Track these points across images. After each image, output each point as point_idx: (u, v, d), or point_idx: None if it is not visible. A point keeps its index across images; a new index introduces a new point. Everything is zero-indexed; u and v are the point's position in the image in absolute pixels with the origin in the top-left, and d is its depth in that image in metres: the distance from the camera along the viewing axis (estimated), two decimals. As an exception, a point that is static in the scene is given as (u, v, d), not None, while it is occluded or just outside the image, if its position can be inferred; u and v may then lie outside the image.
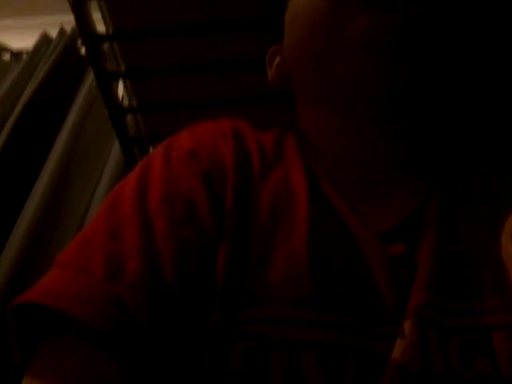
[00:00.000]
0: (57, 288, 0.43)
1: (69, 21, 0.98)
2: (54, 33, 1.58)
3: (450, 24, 0.50)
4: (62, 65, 1.44)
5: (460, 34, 0.52)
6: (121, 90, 1.07)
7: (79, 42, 1.46)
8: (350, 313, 0.45)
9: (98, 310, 0.41)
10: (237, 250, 0.47)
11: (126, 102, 1.08)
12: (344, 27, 0.47)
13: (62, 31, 1.55)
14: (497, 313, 0.44)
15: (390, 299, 0.45)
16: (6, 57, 1.69)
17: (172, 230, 0.47)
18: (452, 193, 0.52)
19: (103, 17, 0.94)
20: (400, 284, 0.46)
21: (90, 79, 1.40)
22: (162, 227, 0.47)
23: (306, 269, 0.46)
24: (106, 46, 0.99)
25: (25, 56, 1.61)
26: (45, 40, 1.56)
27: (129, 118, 1.10)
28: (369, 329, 0.44)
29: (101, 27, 0.95)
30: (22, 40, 1.67)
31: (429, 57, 0.49)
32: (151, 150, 1.18)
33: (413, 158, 0.55)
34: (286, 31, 0.57)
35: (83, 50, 1.27)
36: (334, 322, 0.44)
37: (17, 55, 1.67)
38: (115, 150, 1.31)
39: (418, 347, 0.42)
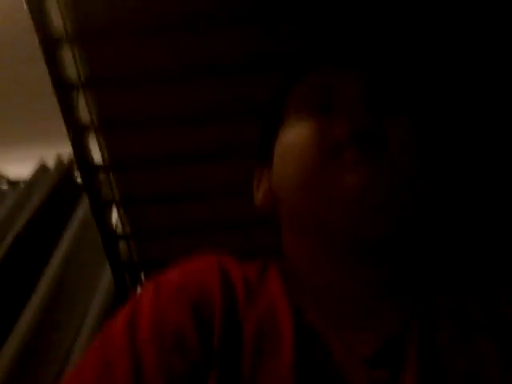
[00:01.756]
0: None
1: (65, 151, 1.02)
2: (50, 161, 1.64)
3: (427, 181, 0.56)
4: (57, 193, 1.48)
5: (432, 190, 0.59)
6: (115, 216, 1.09)
7: (75, 170, 1.51)
8: None
9: None
10: (225, 377, 0.48)
11: (119, 229, 1.09)
12: (333, 183, 0.51)
13: (59, 161, 1.61)
14: None
15: None
16: (4, 185, 1.73)
17: (162, 362, 0.48)
18: (432, 317, 0.53)
19: (100, 147, 0.99)
20: None
21: (84, 205, 1.43)
22: (152, 362, 0.48)
23: None
24: (101, 175, 1.03)
25: (22, 184, 1.65)
26: (42, 169, 1.61)
27: (121, 243, 1.10)
28: None
29: (97, 155, 0.99)
30: (19, 169, 1.73)
31: (409, 216, 0.54)
32: (142, 276, 1.18)
33: (393, 287, 0.56)
34: (277, 164, 0.60)
35: (79, 179, 1.31)
36: None
37: (14, 184, 1.72)
38: (106, 276, 1.31)
39: None
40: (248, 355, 0.50)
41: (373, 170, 0.50)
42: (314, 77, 0.59)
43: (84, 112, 0.94)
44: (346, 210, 0.51)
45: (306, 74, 0.60)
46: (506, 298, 0.53)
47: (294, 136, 0.56)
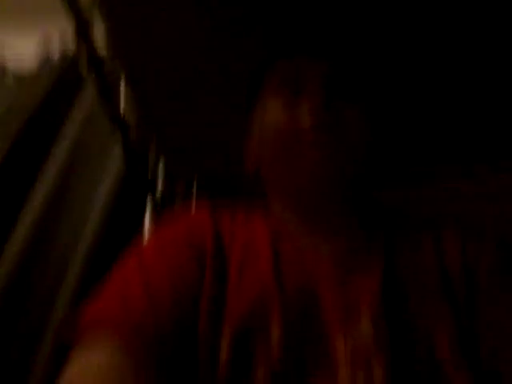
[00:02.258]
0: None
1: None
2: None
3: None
4: (62, 81, 1.49)
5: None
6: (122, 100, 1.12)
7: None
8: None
9: None
10: (216, 286, 0.62)
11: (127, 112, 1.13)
12: (298, 158, 0.66)
13: (63, 54, 1.60)
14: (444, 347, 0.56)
15: (335, 320, 0.58)
16: (9, 81, 1.74)
17: (165, 270, 0.62)
18: (393, 232, 0.69)
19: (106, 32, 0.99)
20: (347, 307, 0.59)
21: (88, 93, 1.46)
22: (157, 269, 0.62)
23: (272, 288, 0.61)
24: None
25: (27, 80, 1.65)
26: (46, 62, 1.61)
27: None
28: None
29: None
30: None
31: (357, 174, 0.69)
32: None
33: (358, 218, 0.70)
34: (257, 138, 0.74)
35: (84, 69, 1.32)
36: None
37: (19, 80, 1.72)
38: (114, 160, 1.37)
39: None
40: (234, 269, 0.63)
41: (327, 150, 0.65)
42: (286, 65, 0.73)
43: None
44: (309, 176, 0.66)
45: (280, 60, 0.74)
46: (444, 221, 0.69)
47: (271, 118, 0.70)
